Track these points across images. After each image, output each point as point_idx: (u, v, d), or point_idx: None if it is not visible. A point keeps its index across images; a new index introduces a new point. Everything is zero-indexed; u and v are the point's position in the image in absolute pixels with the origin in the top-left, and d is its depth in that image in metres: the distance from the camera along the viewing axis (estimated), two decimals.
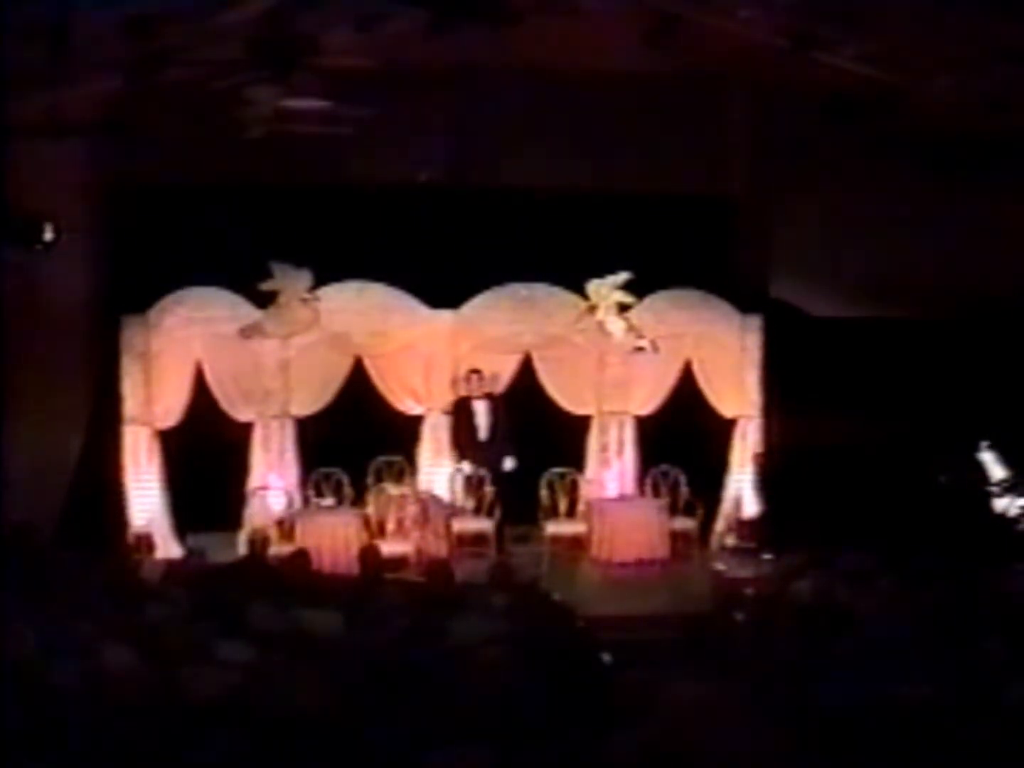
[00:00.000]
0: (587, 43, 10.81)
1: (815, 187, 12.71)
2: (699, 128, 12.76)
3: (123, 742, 5.84)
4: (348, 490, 12.12)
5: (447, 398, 12.50)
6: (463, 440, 12.24)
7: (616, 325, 12.63)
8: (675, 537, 12.19)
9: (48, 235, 9.82)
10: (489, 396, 12.33)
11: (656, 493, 12.53)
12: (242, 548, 10.85)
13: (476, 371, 12.31)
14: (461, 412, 12.29)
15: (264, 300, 12.15)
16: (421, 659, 6.73)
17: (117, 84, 10.05)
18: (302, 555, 9.65)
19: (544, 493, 12.31)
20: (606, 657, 7.66)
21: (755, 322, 12.98)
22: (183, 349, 12.12)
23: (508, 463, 12.11)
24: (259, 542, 10.00)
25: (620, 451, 12.86)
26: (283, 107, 9.89)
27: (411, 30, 9.59)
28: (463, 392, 12.33)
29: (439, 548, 11.65)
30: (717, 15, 10.37)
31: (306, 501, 12.21)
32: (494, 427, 12.22)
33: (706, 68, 11.62)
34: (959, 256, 12.44)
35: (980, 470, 12.04)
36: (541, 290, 12.73)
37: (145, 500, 12.00)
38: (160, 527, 11.99)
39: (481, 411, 12.27)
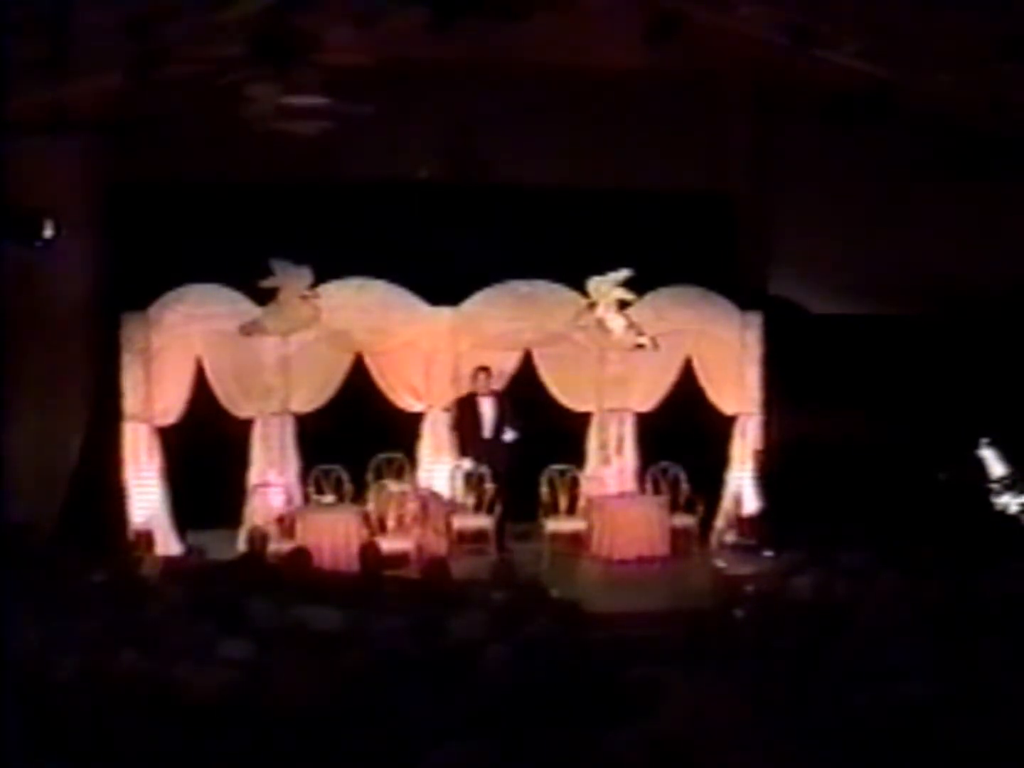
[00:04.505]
0: (588, 40, 10.82)
1: (815, 184, 12.71)
2: (699, 125, 12.77)
3: (123, 739, 5.85)
4: (348, 487, 12.12)
5: (447, 395, 12.50)
6: (467, 437, 12.24)
7: (616, 322, 12.64)
8: (675, 534, 12.18)
9: (48, 232, 9.82)
10: (494, 393, 12.34)
11: (656, 490, 12.53)
12: (242, 545, 10.86)
13: (484, 368, 12.31)
14: (466, 409, 12.29)
15: (264, 297, 12.15)
16: (422, 656, 6.74)
17: (117, 81, 10.04)
18: (302, 552, 9.67)
19: (544, 490, 12.31)
20: (606, 654, 7.66)
21: (755, 319, 12.97)
22: (183, 346, 12.11)
23: (509, 434, 12.09)
24: (258, 540, 10.00)
25: (620, 448, 12.85)
26: (283, 104, 9.88)
27: (412, 27, 9.59)
28: (470, 389, 12.33)
29: (439, 545, 11.66)
30: (718, 12, 10.38)
31: (306, 498, 12.21)
32: (499, 424, 12.23)
33: (707, 65, 11.61)
34: (959, 253, 12.44)
35: (980, 467, 12.05)
36: (541, 287, 12.73)
37: (145, 497, 11.99)
38: (160, 524, 11.98)
39: (487, 408, 12.27)
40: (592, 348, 12.79)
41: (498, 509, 12.00)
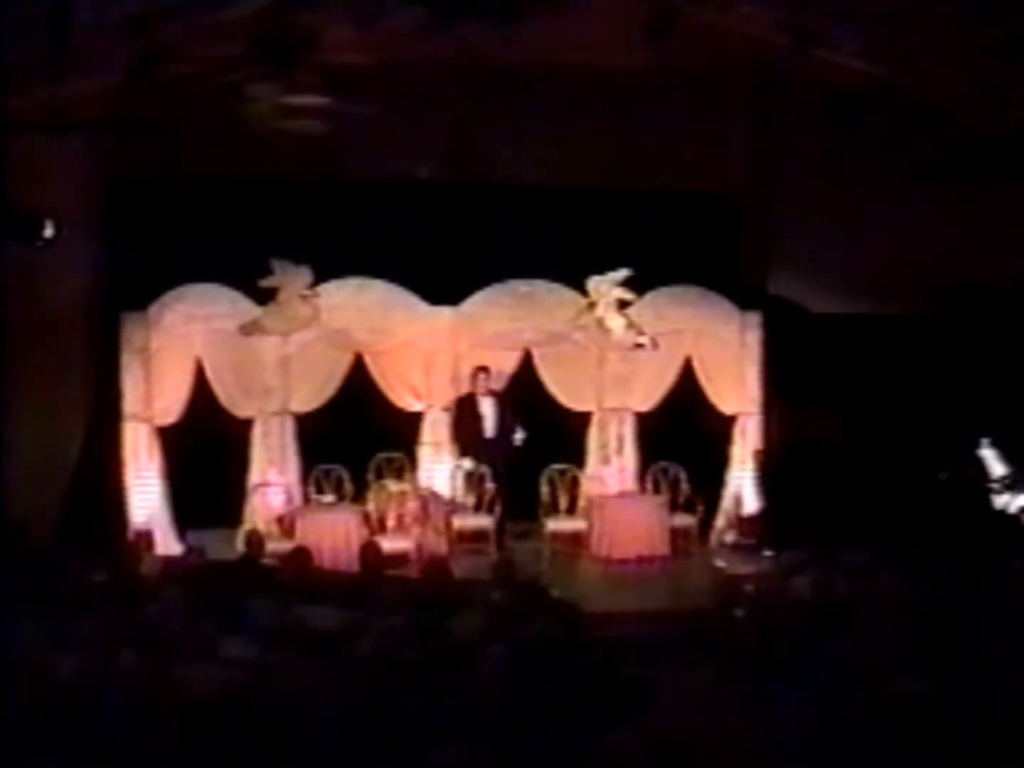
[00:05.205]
0: (587, 39, 10.81)
1: (815, 184, 12.71)
2: (699, 124, 12.76)
3: (124, 739, 5.85)
4: (348, 486, 12.12)
5: (447, 395, 12.50)
6: (467, 437, 12.24)
7: (616, 322, 12.64)
8: (675, 534, 12.18)
9: (48, 231, 9.80)
10: (494, 393, 12.34)
11: (656, 490, 12.53)
12: (242, 545, 10.86)
13: (483, 368, 12.31)
14: (465, 409, 12.28)
15: (264, 297, 12.15)
16: (422, 656, 6.74)
17: (118, 80, 10.05)
18: (303, 552, 9.66)
19: (544, 490, 12.31)
20: (606, 654, 7.66)
21: (755, 319, 12.98)
22: (183, 346, 12.12)
23: (519, 434, 12.09)
24: (255, 543, 9.97)
25: (620, 448, 12.86)
26: (283, 103, 9.89)
27: (411, 26, 9.60)
28: (470, 389, 12.33)
29: (439, 545, 11.66)
30: (717, 11, 10.37)
31: (306, 498, 12.21)
32: (500, 424, 12.23)
33: (707, 65, 11.61)
34: (958, 253, 12.44)
35: (980, 467, 12.03)
36: (541, 287, 12.73)
37: (145, 497, 12.00)
38: (160, 524, 11.98)
39: (487, 408, 12.27)
40: (592, 348, 12.79)
41: (498, 509, 12.01)
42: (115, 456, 11.95)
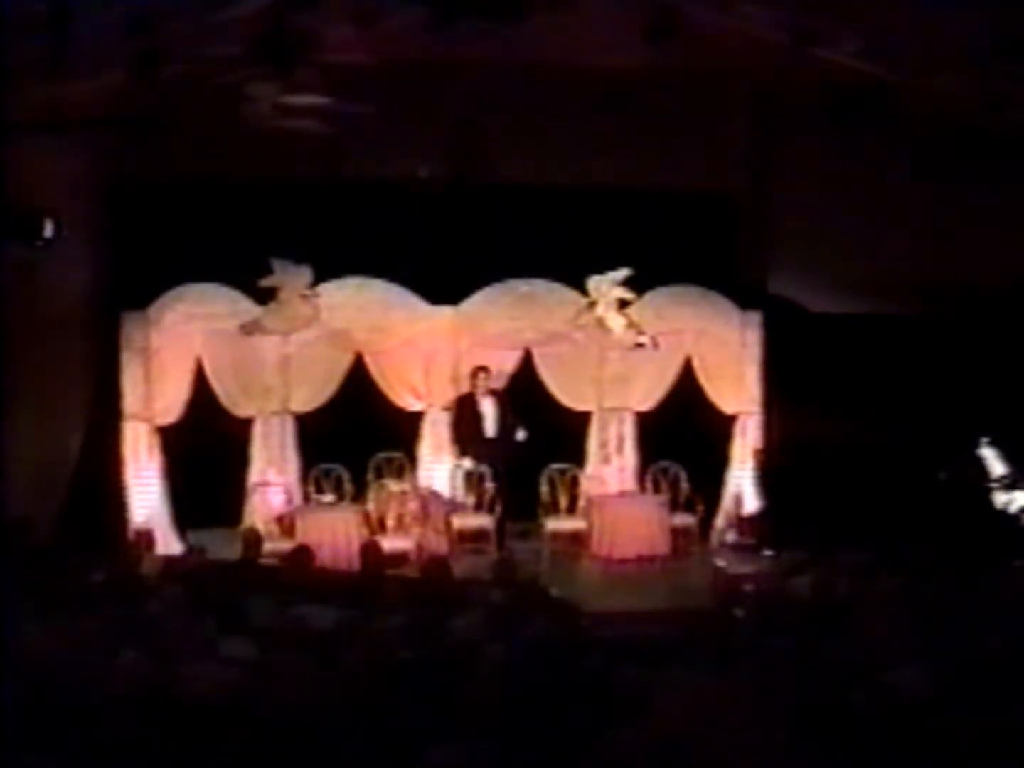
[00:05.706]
0: (588, 39, 10.80)
1: (815, 184, 12.70)
2: (699, 124, 12.75)
3: (124, 738, 5.85)
4: (348, 486, 12.14)
5: (447, 394, 12.52)
6: (467, 436, 12.24)
7: (616, 321, 12.65)
8: (675, 533, 12.20)
9: (48, 231, 9.80)
10: (494, 393, 12.34)
11: (656, 489, 12.54)
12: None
13: (483, 368, 12.32)
14: (465, 408, 12.29)
15: (264, 296, 12.17)
16: (422, 656, 6.74)
17: (118, 80, 10.04)
18: (303, 551, 9.66)
19: (544, 489, 12.32)
20: (606, 654, 7.65)
21: (755, 318, 12.99)
22: (183, 345, 12.13)
23: (520, 434, 12.08)
24: (252, 542, 9.97)
25: (620, 447, 12.87)
26: (283, 103, 9.89)
27: (411, 26, 9.58)
28: (470, 389, 12.33)
29: (439, 544, 11.67)
30: (717, 11, 10.36)
31: (306, 497, 12.22)
32: (500, 423, 12.23)
33: (707, 65, 11.60)
34: (958, 252, 12.44)
35: (980, 466, 12.04)
36: (541, 286, 12.75)
37: (145, 496, 12.02)
38: (160, 523, 12.00)
39: (487, 408, 12.27)
40: (592, 347, 12.81)
41: (498, 508, 12.02)
42: (115, 456, 11.97)
